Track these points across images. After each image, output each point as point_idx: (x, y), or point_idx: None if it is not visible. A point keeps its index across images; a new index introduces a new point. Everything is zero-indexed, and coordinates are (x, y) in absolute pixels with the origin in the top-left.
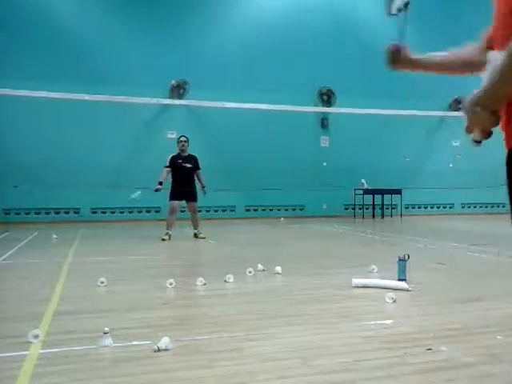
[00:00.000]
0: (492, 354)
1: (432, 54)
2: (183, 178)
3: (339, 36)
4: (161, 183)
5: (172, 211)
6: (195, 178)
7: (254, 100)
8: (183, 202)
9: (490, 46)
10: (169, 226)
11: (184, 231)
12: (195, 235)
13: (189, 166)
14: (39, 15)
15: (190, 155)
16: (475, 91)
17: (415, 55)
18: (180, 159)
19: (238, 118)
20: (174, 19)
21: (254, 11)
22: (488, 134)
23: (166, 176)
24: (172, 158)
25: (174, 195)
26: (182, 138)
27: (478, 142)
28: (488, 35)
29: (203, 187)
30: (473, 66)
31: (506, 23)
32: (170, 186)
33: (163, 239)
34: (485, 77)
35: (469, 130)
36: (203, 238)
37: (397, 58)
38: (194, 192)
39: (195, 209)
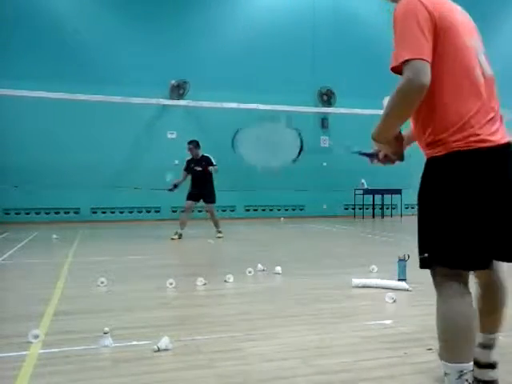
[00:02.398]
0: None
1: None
2: (196, 180)
3: (339, 36)
4: (175, 186)
5: (186, 210)
6: (213, 177)
7: (254, 100)
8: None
9: None
10: (181, 225)
11: (184, 231)
12: (180, 235)
13: (199, 168)
14: (39, 15)
15: (202, 157)
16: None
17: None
18: (192, 163)
19: (238, 118)
20: (174, 19)
21: (254, 11)
22: (397, 155)
23: (181, 179)
24: (187, 161)
25: (189, 195)
26: (188, 145)
27: (392, 163)
28: None
29: (214, 165)
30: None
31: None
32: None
33: (172, 238)
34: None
35: (381, 157)
36: (220, 237)
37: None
38: (209, 193)
39: (211, 210)
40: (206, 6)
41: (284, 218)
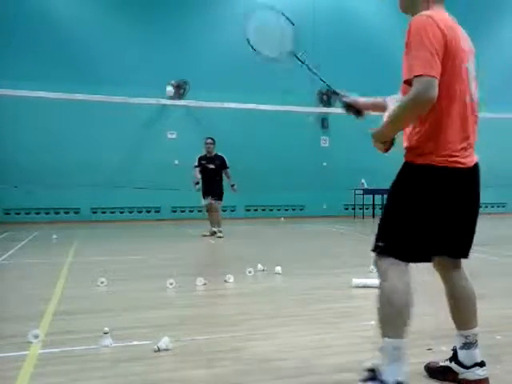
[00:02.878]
0: (492, 354)
1: (369, 98)
2: (207, 178)
3: (339, 36)
4: (197, 183)
5: (208, 208)
6: (223, 177)
7: (254, 100)
8: None
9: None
10: (211, 224)
11: (184, 231)
12: (213, 233)
13: (211, 166)
14: (38, 15)
15: (215, 156)
16: (376, 128)
17: (360, 99)
18: (204, 160)
19: (238, 118)
20: (174, 19)
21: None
22: (385, 151)
23: (198, 175)
24: (199, 158)
25: (204, 192)
26: (208, 140)
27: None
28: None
29: (232, 185)
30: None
31: (403, 88)
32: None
33: (204, 235)
34: (384, 118)
35: (374, 146)
36: (220, 237)
37: (357, 110)
38: (218, 191)
39: (216, 207)
40: (206, 6)
41: (284, 217)
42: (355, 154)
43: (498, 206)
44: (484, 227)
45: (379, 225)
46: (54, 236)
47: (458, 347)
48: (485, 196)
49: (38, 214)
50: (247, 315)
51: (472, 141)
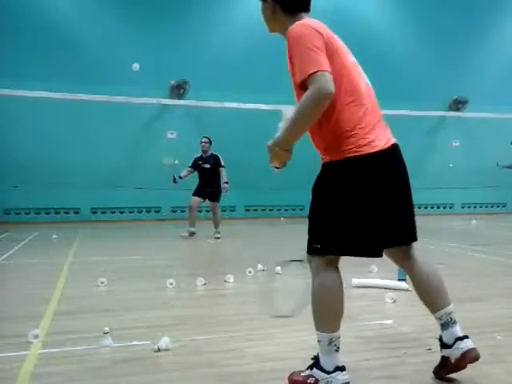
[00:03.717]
0: (492, 353)
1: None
2: (204, 178)
3: (339, 36)
4: (180, 177)
5: (190, 207)
6: (220, 177)
7: (254, 100)
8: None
9: None
10: (190, 223)
11: (184, 231)
12: (192, 233)
13: (207, 166)
14: (38, 15)
15: (211, 155)
16: (275, 136)
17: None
18: (200, 160)
19: (238, 117)
20: (175, 19)
21: (254, 11)
22: (285, 164)
23: (185, 173)
24: (195, 159)
25: (196, 192)
26: (204, 139)
27: (278, 169)
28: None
29: (225, 182)
30: None
31: (297, 93)
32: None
33: (183, 235)
34: (281, 127)
35: (270, 162)
36: (218, 238)
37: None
38: (216, 192)
39: (215, 209)
40: (206, 6)
41: (284, 217)
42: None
43: (498, 206)
44: (485, 227)
45: (310, 230)
46: (54, 236)
47: (441, 330)
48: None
49: (38, 214)
50: (247, 315)
51: (378, 123)
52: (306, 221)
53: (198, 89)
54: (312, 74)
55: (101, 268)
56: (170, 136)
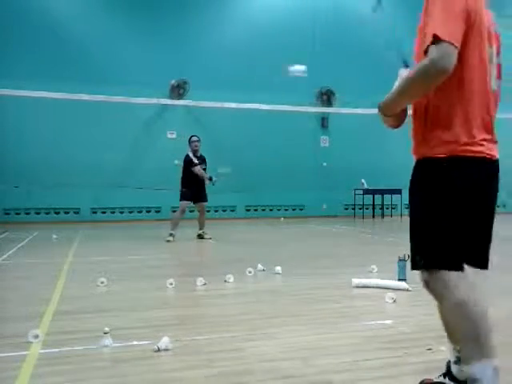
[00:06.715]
0: None
1: None
2: (197, 178)
3: (339, 36)
4: (211, 178)
5: (183, 211)
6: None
7: (254, 100)
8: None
9: None
10: (174, 226)
11: (185, 231)
12: (200, 236)
13: (204, 167)
14: (39, 15)
15: (201, 155)
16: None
17: None
18: (197, 160)
19: (238, 117)
20: (174, 19)
21: (254, 11)
22: (395, 127)
23: (200, 172)
24: (191, 158)
25: (188, 195)
26: (195, 138)
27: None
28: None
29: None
30: None
31: (419, 59)
32: (179, 186)
33: (168, 240)
34: (393, 87)
35: (383, 123)
36: (209, 238)
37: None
38: (204, 192)
39: (204, 209)
40: (206, 6)
41: (284, 217)
42: (355, 154)
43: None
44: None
45: (415, 240)
46: (54, 236)
47: (451, 361)
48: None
49: (38, 214)
50: (247, 315)
51: (493, 133)
52: (306, 221)
53: (198, 89)
54: (436, 40)
55: (101, 268)
56: (169, 136)
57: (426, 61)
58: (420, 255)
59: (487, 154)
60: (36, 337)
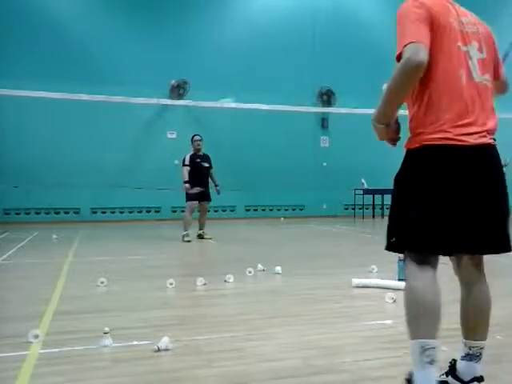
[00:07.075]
0: (492, 354)
1: None
2: (202, 177)
3: (339, 36)
4: (188, 182)
5: (191, 211)
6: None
7: (254, 100)
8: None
9: None
10: (188, 226)
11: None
12: (200, 236)
13: (207, 165)
14: (39, 15)
15: (205, 154)
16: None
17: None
18: (198, 158)
19: (237, 117)
20: (174, 19)
21: (254, 11)
22: (393, 141)
23: (187, 176)
24: (191, 157)
25: (195, 195)
26: (197, 137)
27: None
28: None
29: (216, 186)
30: None
31: None
32: (183, 184)
33: (189, 240)
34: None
35: (378, 139)
36: (209, 238)
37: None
38: (208, 192)
39: (206, 209)
40: (206, 6)
41: (284, 217)
42: (355, 154)
43: None
44: None
45: (388, 222)
46: (54, 236)
47: (459, 357)
48: None
49: (38, 214)
50: (247, 315)
51: (476, 120)
52: (306, 221)
53: (198, 89)
54: (406, 45)
55: (101, 268)
56: (169, 136)
57: (402, 60)
58: (391, 237)
59: (458, 141)
60: (36, 337)
